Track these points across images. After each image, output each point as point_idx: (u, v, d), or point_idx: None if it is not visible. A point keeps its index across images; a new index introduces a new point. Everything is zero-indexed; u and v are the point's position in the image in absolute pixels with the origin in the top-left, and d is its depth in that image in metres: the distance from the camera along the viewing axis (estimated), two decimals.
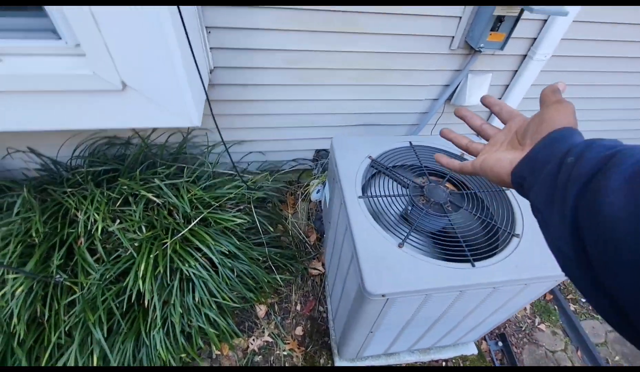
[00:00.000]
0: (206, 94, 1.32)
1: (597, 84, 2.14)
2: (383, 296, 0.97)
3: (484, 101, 0.55)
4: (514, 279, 1.04)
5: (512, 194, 1.31)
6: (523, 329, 1.98)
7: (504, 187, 1.33)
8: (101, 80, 1.10)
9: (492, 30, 1.58)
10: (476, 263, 1.06)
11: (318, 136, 2.09)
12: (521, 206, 1.26)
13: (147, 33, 1.03)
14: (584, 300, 2.18)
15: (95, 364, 1.22)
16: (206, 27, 1.44)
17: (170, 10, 1.00)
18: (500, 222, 1.20)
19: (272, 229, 1.82)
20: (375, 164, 1.38)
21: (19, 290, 1.21)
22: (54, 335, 1.23)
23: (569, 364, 1.87)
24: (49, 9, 1.01)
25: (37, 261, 1.32)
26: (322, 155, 2.21)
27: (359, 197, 1.22)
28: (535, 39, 1.79)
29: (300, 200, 2.21)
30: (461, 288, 1.02)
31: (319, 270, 1.99)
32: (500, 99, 2.05)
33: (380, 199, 1.25)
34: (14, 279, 1.25)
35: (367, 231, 1.11)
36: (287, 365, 1.68)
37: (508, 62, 1.90)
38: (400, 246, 1.08)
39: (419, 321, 1.24)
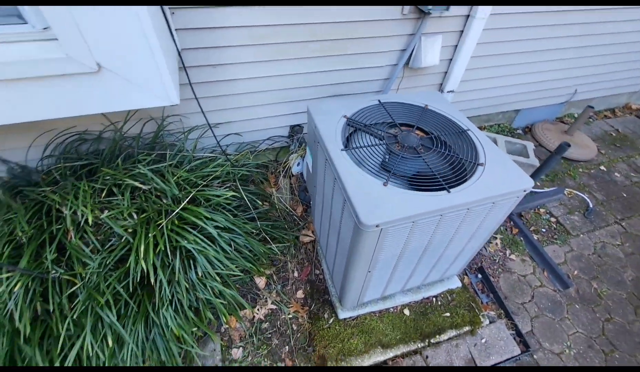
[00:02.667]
0: (186, 70, 1.34)
1: (535, 38, 2.40)
2: (377, 226, 1.09)
3: None
4: (483, 197, 1.20)
5: (475, 135, 1.48)
6: (497, 261, 2.23)
7: (465, 127, 1.51)
8: (75, 63, 1.11)
9: None
10: (451, 190, 1.21)
11: (292, 111, 2.16)
12: (482, 142, 1.44)
13: (119, 11, 1.05)
14: (544, 229, 2.47)
15: (110, 345, 1.24)
16: (169, 8, 1.45)
17: None
18: (466, 156, 1.36)
19: (260, 203, 1.88)
20: (351, 122, 1.49)
21: (17, 287, 1.19)
22: (62, 327, 1.23)
23: (538, 284, 2.14)
24: None
25: (29, 259, 1.30)
26: (296, 131, 2.29)
27: (342, 149, 1.33)
28: None
29: (281, 177, 2.29)
30: (441, 211, 1.17)
31: (310, 236, 2.09)
32: (451, 59, 2.24)
33: (360, 149, 1.36)
34: (8, 278, 1.22)
35: (354, 176, 1.22)
36: (293, 326, 1.78)
37: (454, 23, 2.08)
38: (385, 184, 1.21)
39: (409, 255, 1.38)
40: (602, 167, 3.07)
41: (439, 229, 1.27)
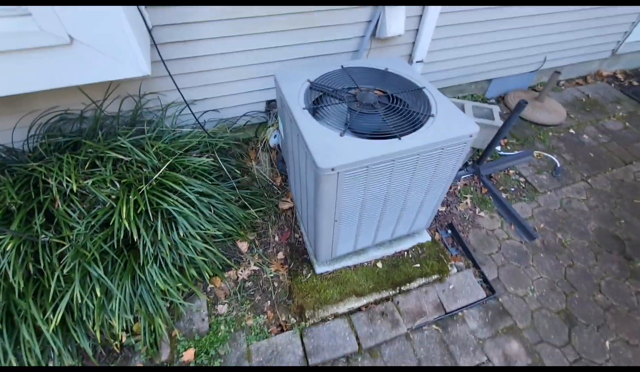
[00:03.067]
0: (156, 47, 1.43)
1: (492, 6, 2.50)
2: (332, 169, 1.21)
3: None
4: (431, 143, 1.32)
5: (429, 92, 1.59)
6: (467, 218, 2.37)
7: (421, 86, 1.62)
8: (48, 35, 1.20)
9: None
10: (402, 137, 1.33)
11: (266, 87, 2.26)
12: (435, 97, 1.55)
13: None
14: (513, 189, 2.61)
15: (99, 296, 1.36)
16: None
17: None
18: (419, 109, 1.48)
19: (239, 173, 1.99)
20: (314, 85, 1.60)
21: (10, 246, 1.30)
22: (53, 281, 1.34)
23: (505, 237, 2.28)
24: None
25: (19, 224, 1.41)
26: (272, 106, 2.39)
27: (303, 108, 1.44)
28: None
29: (260, 150, 2.39)
30: (392, 156, 1.29)
31: (288, 203, 2.21)
32: (417, 29, 2.34)
33: (320, 107, 1.47)
34: (0, 239, 1.33)
35: (313, 130, 1.34)
36: (275, 284, 1.91)
37: None
38: (341, 135, 1.32)
39: (371, 204, 1.50)
40: (571, 130, 3.21)
41: (395, 176, 1.39)
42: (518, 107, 2.06)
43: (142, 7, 1.60)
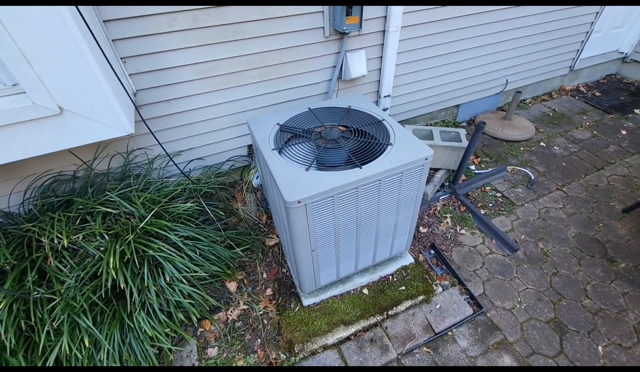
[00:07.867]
0: (137, 109, 1.61)
1: (451, 40, 2.78)
2: (299, 201, 1.32)
3: None
4: (389, 168, 1.45)
5: (388, 123, 1.76)
6: (449, 237, 2.44)
7: (381, 118, 1.79)
8: (41, 108, 1.37)
9: (347, 15, 2.09)
10: (363, 166, 1.46)
11: (245, 133, 2.44)
12: (394, 128, 1.71)
13: (72, 62, 1.33)
14: (491, 204, 2.71)
15: (87, 346, 1.40)
16: (121, 58, 1.75)
17: (86, 38, 1.32)
18: (379, 139, 1.63)
19: (224, 214, 2.10)
20: (284, 128, 1.76)
21: (2, 304, 1.37)
22: (43, 335, 1.39)
23: (488, 252, 2.34)
24: None
25: (12, 283, 1.48)
26: (253, 150, 2.56)
27: (272, 149, 1.59)
28: (385, 16, 2.35)
29: (245, 191, 2.52)
30: (355, 184, 1.41)
31: (274, 239, 2.29)
32: (380, 68, 2.58)
33: (288, 147, 1.62)
34: None
35: (281, 167, 1.47)
36: (264, 321, 1.93)
37: (373, 38, 2.44)
38: (307, 170, 1.45)
39: (345, 231, 1.59)
40: (542, 144, 3.37)
41: (362, 202, 1.50)
42: (478, 128, 2.23)
43: (127, 75, 1.81)
